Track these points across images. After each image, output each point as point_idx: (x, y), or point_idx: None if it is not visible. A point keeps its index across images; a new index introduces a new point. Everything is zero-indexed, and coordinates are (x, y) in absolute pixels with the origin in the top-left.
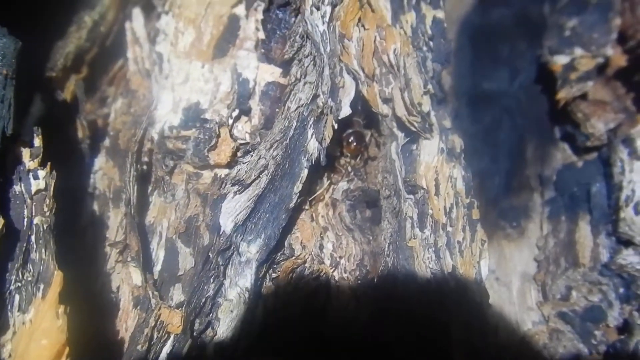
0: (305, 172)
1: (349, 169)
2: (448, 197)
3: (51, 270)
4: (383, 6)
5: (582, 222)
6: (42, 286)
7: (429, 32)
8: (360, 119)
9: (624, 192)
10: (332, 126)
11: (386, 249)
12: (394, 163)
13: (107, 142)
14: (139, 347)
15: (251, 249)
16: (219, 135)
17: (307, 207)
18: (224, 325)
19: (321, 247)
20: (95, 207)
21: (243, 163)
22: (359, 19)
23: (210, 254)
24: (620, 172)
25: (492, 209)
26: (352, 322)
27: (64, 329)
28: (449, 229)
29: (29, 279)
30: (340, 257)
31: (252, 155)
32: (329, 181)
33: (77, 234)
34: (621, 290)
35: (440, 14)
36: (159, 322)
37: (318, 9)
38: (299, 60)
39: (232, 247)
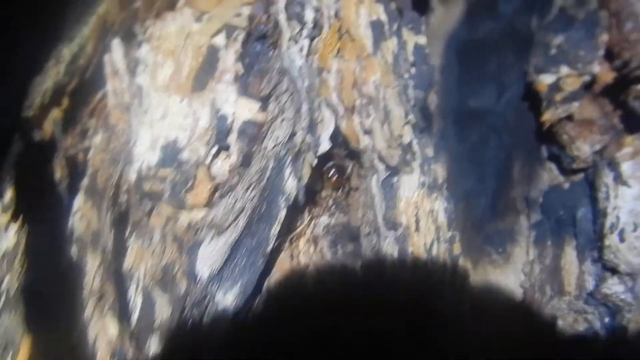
0: (283, 213)
1: (330, 202)
2: (429, 233)
3: (20, 335)
4: (363, 34)
5: (568, 247)
6: (10, 352)
7: (411, 58)
8: (341, 150)
9: (609, 219)
10: (310, 164)
11: None
12: (374, 199)
13: (85, 181)
14: None
15: (227, 298)
16: (195, 177)
17: (287, 245)
18: None
19: None
20: (74, 250)
21: (220, 206)
22: (338, 50)
23: (186, 305)
24: (605, 197)
25: (478, 234)
26: None
27: None
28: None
29: None
30: None
31: (229, 197)
32: (310, 215)
33: (55, 282)
34: (606, 319)
35: (422, 40)
36: None
37: (296, 42)
38: (276, 96)
39: (207, 297)
